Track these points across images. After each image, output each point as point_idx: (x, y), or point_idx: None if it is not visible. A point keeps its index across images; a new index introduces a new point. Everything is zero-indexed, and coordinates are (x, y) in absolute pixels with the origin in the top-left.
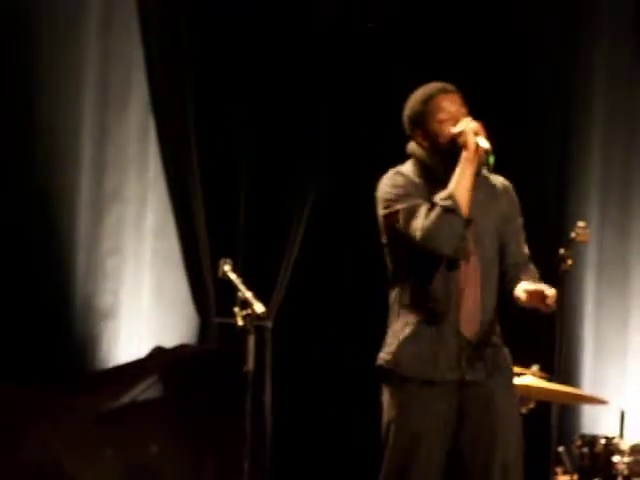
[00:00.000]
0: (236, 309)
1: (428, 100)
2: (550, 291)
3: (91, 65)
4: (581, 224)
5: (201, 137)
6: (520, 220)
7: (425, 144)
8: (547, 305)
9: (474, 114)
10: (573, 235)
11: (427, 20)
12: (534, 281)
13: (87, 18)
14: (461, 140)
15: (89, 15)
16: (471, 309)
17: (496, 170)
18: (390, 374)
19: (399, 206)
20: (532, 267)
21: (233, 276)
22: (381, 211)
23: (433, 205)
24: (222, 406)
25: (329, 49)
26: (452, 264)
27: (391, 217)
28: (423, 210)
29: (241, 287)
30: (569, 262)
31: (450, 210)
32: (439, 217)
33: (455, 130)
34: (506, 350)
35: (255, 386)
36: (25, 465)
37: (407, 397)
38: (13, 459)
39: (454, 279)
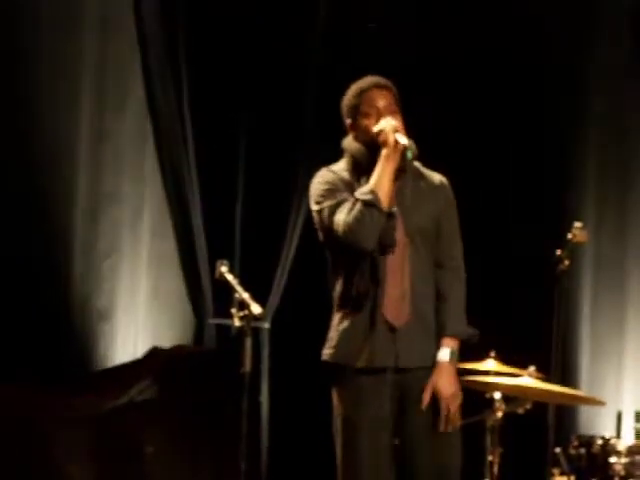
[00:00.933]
0: (233, 310)
1: (360, 93)
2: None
3: (88, 66)
4: (578, 225)
5: (198, 138)
6: (456, 220)
7: (357, 136)
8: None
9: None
10: (570, 236)
11: (426, 20)
12: (454, 308)
13: (84, 19)
14: (381, 138)
15: (86, 16)
16: (398, 298)
17: (497, 173)
18: (332, 367)
19: (326, 203)
20: (457, 274)
21: (230, 277)
22: (312, 209)
23: (355, 201)
24: (219, 407)
25: (327, 48)
26: (378, 253)
27: (319, 214)
28: (346, 205)
29: (238, 288)
30: (566, 263)
31: (370, 204)
32: (360, 211)
33: (375, 129)
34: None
35: (252, 387)
36: (23, 465)
37: (349, 388)
38: (11, 459)
39: (379, 269)
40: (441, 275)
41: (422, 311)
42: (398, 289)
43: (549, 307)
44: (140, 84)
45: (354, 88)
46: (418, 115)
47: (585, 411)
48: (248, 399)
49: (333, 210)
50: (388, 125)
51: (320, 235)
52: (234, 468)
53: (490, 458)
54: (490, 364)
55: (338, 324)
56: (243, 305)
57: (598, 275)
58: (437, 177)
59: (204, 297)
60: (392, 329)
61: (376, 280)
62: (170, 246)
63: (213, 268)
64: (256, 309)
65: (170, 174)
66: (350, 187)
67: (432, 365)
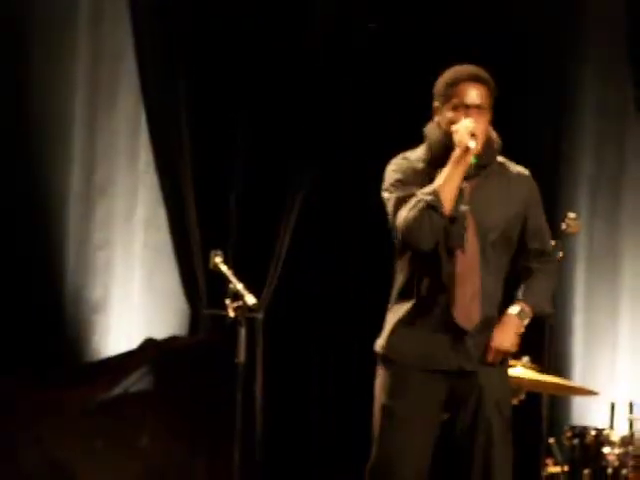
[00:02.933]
0: (227, 301)
1: (454, 84)
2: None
3: (81, 57)
4: (571, 215)
5: (192, 129)
6: (541, 214)
7: (439, 123)
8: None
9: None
10: (564, 226)
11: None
12: (537, 287)
13: (78, 10)
14: (456, 138)
15: (80, 7)
16: (468, 298)
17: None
18: (382, 359)
19: (393, 194)
20: (550, 267)
21: (224, 268)
22: (383, 196)
23: (418, 199)
24: (213, 398)
25: (324, 47)
26: (448, 252)
27: (387, 202)
28: (411, 202)
29: (232, 279)
30: (560, 253)
31: (431, 206)
32: (420, 212)
33: (453, 128)
34: None
35: (246, 378)
36: (17, 458)
37: (397, 383)
38: (5, 452)
39: (448, 268)
40: (529, 267)
41: (489, 316)
42: (469, 290)
43: None
44: (135, 76)
45: (450, 74)
46: (418, 114)
47: (578, 401)
48: (242, 390)
49: (398, 203)
50: (465, 128)
51: (390, 222)
52: (229, 458)
53: None
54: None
55: (394, 317)
56: (237, 296)
57: (592, 266)
58: (520, 171)
59: (198, 288)
60: (457, 330)
61: (444, 280)
62: (164, 237)
63: (207, 259)
64: (250, 300)
65: (164, 165)
66: (424, 177)
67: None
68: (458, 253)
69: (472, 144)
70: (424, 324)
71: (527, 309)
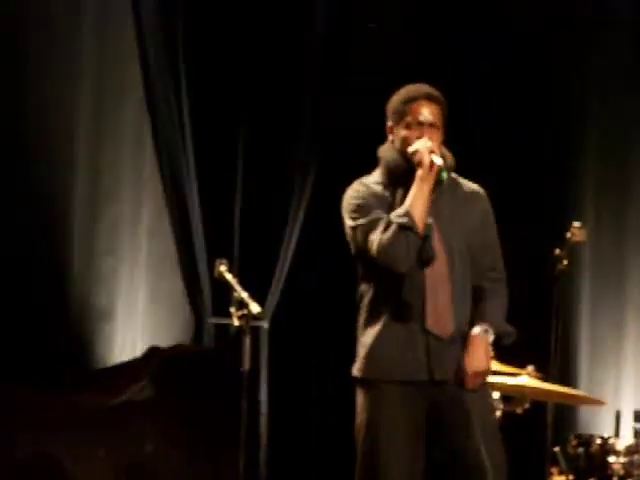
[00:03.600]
0: (232, 309)
1: (407, 101)
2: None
3: (86, 65)
4: (577, 224)
5: (197, 137)
6: (494, 232)
7: (394, 142)
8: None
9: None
10: (569, 235)
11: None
12: (494, 308)
13: (82, 17)
14: (416, 158)
15: (84, 14)
16: (441, 308)
17: (495, 172)
18: (361, 382)
19: (359, 221)
20: (498, 285)
21: (229, 276)
22: (345, 223)
23: (389, 222)
24: (218, 406)
25: (325, 45)
26: (418, 268)
27: (352, 230)
28: (381, 226)
29: (237, 287)
30: (564, 262)
31: (406, 227)
32: (395, 234)
33: (410, 149)
34: None
35: (251, 386)
36: (21, 465)
37: (378, 402)
38: (9, 459)
39: (419, 281)
40: (481, 287)
41: (461, 325)
42: (440, 300)
43: (548, 306)
44: (139, 83)
45: (403, 93)
46: None
47: (584, 410)
48: (247, 398)
49: (367, 229)
50: (423, 146)
51: (352, 249)
52: (233, 466)
53: None
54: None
55: (368, 337)
56: (242, 304)
57: (597, 275)
58: (474, 187)
59: (203, 296)
60: (432, 339)
61: (417, 293)
62: (169, 245)
63: (212, 267)
64: (255, 308)
65: (169, 174)
66: (384, 201)
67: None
68: (427, 265)
69: (438, 160)
70: (399, 340)
71: (489, 328)
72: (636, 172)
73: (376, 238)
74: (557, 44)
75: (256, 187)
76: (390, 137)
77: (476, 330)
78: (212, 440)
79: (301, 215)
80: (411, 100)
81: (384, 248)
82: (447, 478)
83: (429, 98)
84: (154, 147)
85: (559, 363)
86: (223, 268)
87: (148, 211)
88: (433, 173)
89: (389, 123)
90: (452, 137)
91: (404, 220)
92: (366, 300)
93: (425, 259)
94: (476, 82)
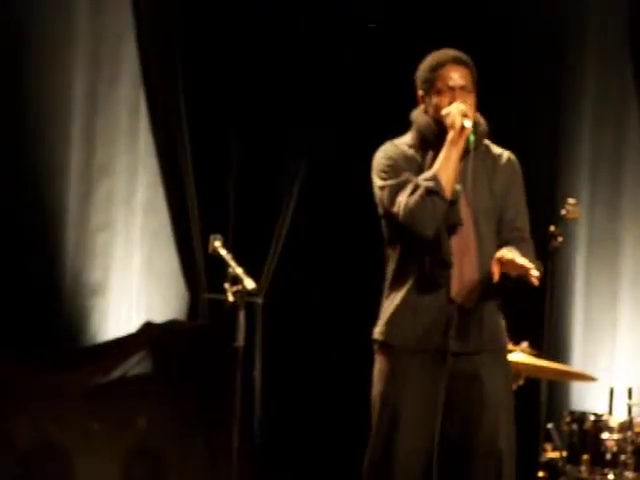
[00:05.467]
0: (226, 285)
1: (436, 67)
2: (522, 260)
3: (81, 39)
4: (571, 201)
5: (192, 111)
6: (522, 194)
7: (426, 111)
8: (527, 274)
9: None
10: (563, 212)
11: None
12: (524, 247)
13: None
14: (448, 121)
15: None
16: (466, 277)
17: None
18: (381, 346)
19: (387, 182)
20: (528, 244)
21: (223, 252)
22: (374, 183)
23: (417, 185)
24: (212, 382)
25: (321, 36)
26: (445, 233)
27: (380, 190)
28: (408, 188)
29: (231, 263)
30: (559, 239)
31: (433, 192)
32: (422, 198)
33: (443, 112)
34: (503, 324)
35: (245, 362)
36: (15, 440)
37: (397, 370)
38: (2, 434)
39: (446, 248)
40: (508, 245)
41: (488, 292)
42: (467, 269)
43: (542, 283)
44: (134, 57)
45: (430, 60)
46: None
47: (577, 387)
48: (241, 374)
49: (395, 190)
50: (456, 109)
51: (379, 210)
52: (227, 442)
53: None
54: None
55: (391, 301)
56: (236, 280)
57: (591, 251)
58: (504, 153)
59: (197, 272)
60: (455, 309)
61: (442, 260)
62: (164, 221)
63: (207, 243)
64: (249, 284)
65: (164, 148)
66: (414, 163)
67: (489, 350)
68: (454, 232)
69: (468, 123)
70: (422, 307)
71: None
72: (630, 149)
73: (403, 200)
74: (548, 22)
75: (251, 162)
76: (422, 106)
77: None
78: (206, 415)
79: (296, 191)
80: (439, 66)
81: (410, 211)
82: (459, 455)
83: (457, 62)
84: (149, 121)
85: (553, 340)
86: (218, 244)
87: (143, 186)
88: (464, 137)
89: (419, 92)
90: None
91: (431, 184)
92: (392, 264)
93: (451, 225)
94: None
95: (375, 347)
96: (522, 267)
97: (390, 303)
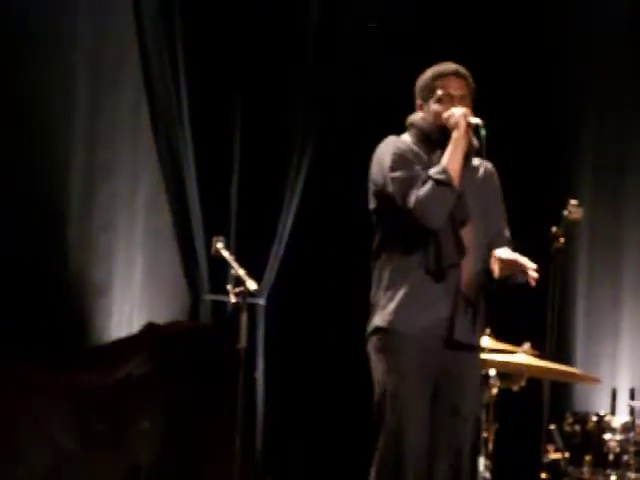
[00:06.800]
0: (229, 286)
1: (437, 77)
2: (524, 259)
3: (84, 41)
4: (573, 202)
5: (194, 113)
6: (502, 205)
7: (426, 118)
8: (526, 273)
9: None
10: (566, 213)
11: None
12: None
13: None
14: (452, 121)
15: None
16: (469, 270)
17: (491, 150)
18: (387, 333)
19: (398, 174)
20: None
21: (226, 253)
22: (378, 175)
23: (427, 178)
24: (214, 383)
25: (320, 30)
26: (456, 227)
27: (392, 182)
28: (419, 182)
29: (234, 264)
30: (561, 240)
31: (443, 183)
32: (433, 189)
33: (445, 115)
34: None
35: (247, 363)
36: (17, 440)
37: (402, 359)
38: (5, 434)
39: (456, 240)
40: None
41: (482, 290)
42: (469, 263)
43: (544, 284)
44: (136, 57)
45: (433, 70)
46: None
47: (580, 388)
48: (243, 375)
49: (407, 183)
50: (458, 110)
51: (375, 203)
52: (229, 443)
53: (485, 434)
54: (485, 341)
55: (402, 292)
56: (239, 281)
57: (594, 253)
58: (488, 165)
59: (200, 273)
60: (462, 299)
61: (459, 250)
62: (166, 221)
63: (209, 244)
64: (252, 285)
65: (166, 149)
66: (421, 159)
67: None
68: (464, 226)
69: (476, 120)
70: (431, 297)
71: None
72: (633, 150)
73: (413, 194)
74: (556, 26)
75: (253, 163)
76: (420, 114)
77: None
78: (209, 416)
79: (298, 192)
80: (441, 76)
81: (421, 203)
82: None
83: (458, 74)
84: (151, 123)
85: (555, 341)
86: (220, 245)
87: (145, 187)
88: (468, 135)
89: (418, 101)
90: None
91: (442, 176)
92: (390, 258)
93: (460, 219)
94: (472, 61)
95: (375, 339)
96: (523, 265)
97: (394, 294)
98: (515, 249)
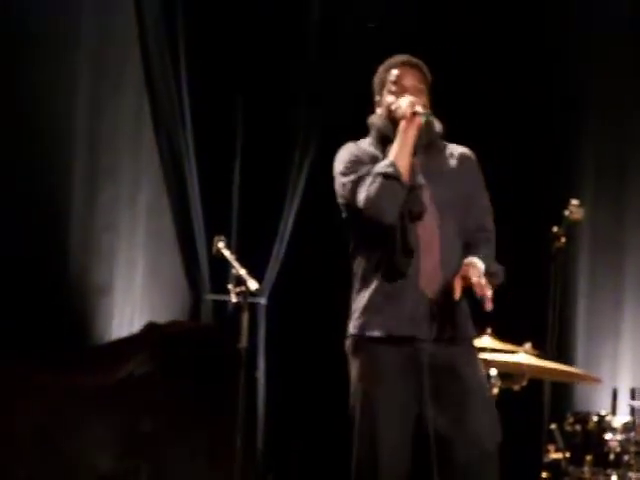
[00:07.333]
0: (230, 286)
1: (388, 69)
2: (482, 283)
3: (87, 41)
4: (575, 202)
5: (195, 115)
6: (484, 191)
7: (382, 113)
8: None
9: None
10: (567, 213)
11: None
12: (484, 260)
13: None
14: (399, 113)
15: None
16: (430, 268)
17: (492, 150)
18: (357, 340)
19: (349, 177)
20: (492, 246)
21: (227, 253)
22: (335, 185)
23: (375, 174)
24: (215, 382)
25: (322, 29)
26: (409, 222)
27: (342, 187)
28: (368, 179)
29: (235, 264)
30: (562, 240)
31: (391, 177)
32: (381, 184)
33: (393, 106)
34: (468, 312)
35: (248, 363)
36: (18, 441)
37: (373, 363)
38: (6, 436)
39: (411, 237)
40: (471, 244)
41: (450, 284)
42: (430, 260)
43: (546, 284)
44: (138, 60)
45: (384, 65)
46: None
47: (581, 388)
48: (244, 374)
49: (356, 184)
50: (404, 101)
51: (343, 210)
52: (230, 443)
53: None
54: (486, 341)
55: (363, 297)
56: (240, 281)
57: (595, 252)
58: (464, 150)
59: (201, 273)
60: (424, 298)
61: (409, 250)
62: (167, 222)
63: (210, 244)
64: (253, 285)
65: (167, 151)
66: (376, 160)
67: (459, 338)
68: (418, 223)
69: (418, 108)
70: (394, 296)
71: (480, 260)
72: (634, 150)
73: (363, 191)
74: (557, 28)
75: (254, 164)
76: (378, 111)
77: (469, 258)
78: (210, 416)
79: (300, 192)
80: (392, 67)
81: (370, 199)
82: (447, 449)
83: (408, 64)
84: (153, 124)
85: (556, 341)
86: (221, 245)
87: (147, 188)
88: (415, 124)
89: (376, 97)
90: (455, 117)
91: (389, 170)
92: (360, 264)
93: (415, 213)
94: (473, 60)
95: (349, 344)
96: (482, 292)
97: (362, 297)
98: (494, 273)
